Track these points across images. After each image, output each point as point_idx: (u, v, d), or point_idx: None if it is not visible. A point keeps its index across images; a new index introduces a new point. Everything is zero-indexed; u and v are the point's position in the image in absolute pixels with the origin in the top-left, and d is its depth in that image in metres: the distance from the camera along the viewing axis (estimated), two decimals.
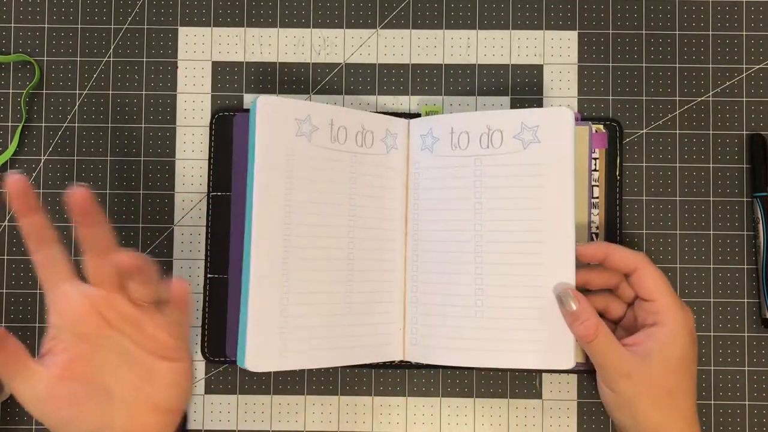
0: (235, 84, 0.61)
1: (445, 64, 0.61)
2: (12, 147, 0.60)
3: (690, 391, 0.51)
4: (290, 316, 0.52)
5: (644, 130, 0.61)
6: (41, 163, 0.61)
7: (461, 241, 0.55)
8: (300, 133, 0.54)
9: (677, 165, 0.60)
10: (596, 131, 0.58)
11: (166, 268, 0.60)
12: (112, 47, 0.61)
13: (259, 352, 0.51)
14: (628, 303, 0.55)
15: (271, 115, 0.53)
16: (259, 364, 0.51)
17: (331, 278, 0.54)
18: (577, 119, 0.59)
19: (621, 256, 0.52)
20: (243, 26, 0.62)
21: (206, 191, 0.60)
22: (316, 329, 0.53)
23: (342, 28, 0.62)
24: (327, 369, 0.59)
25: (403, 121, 0.58)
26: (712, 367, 0.59)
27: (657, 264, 0.59)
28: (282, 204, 0.53)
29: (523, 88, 0.61)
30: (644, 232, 0.60)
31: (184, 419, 0.50)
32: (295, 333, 0.52)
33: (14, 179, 0.44)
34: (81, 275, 0.60)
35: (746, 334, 0.59)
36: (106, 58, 0.61)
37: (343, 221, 0.55)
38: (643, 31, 0.61)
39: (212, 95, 0.61)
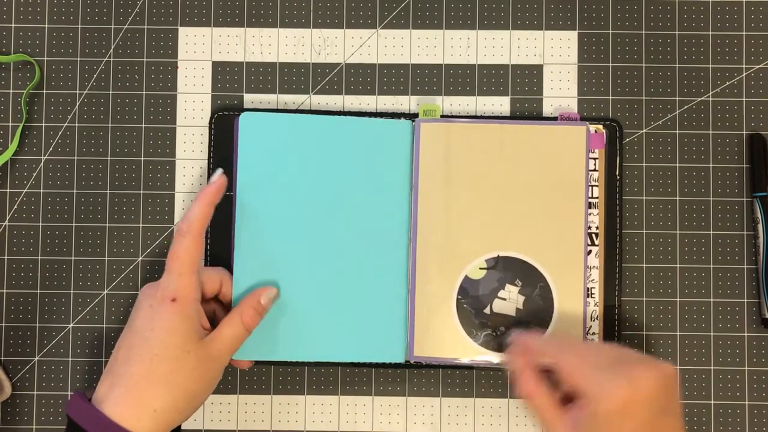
0: (235, 84, 0.61)
1: (445, 64, 0.61)
2: (12, 147, 0.60)
3: None
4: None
5: (644, 130, 0.61)
6: (41, 163, 0.61)
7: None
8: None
9: (677, 165, 0.60)
10: (595, 131, 0.58)
11: None
12: (112, 47, 0.61)
13: None
14: None
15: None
16: None
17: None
18: (576, 119, 0.59)
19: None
20: (243, 26, 0.62)
21: None
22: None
23: (342, 28, 0.62)
24: (327, 369, 0.59)
25: (405, 122, 0.58)
26: (712, 367, 0.59)
27: (657, 264, 0.60)
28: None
29: (523, 88, 0.61)
30: (644, 232, 0.60)
31: None
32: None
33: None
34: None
35: (746, 334, 0.59)
36: (106, 58, 0.61)
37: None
38: (643, 31, 0.61)
39: (212, 95, 0.61)
